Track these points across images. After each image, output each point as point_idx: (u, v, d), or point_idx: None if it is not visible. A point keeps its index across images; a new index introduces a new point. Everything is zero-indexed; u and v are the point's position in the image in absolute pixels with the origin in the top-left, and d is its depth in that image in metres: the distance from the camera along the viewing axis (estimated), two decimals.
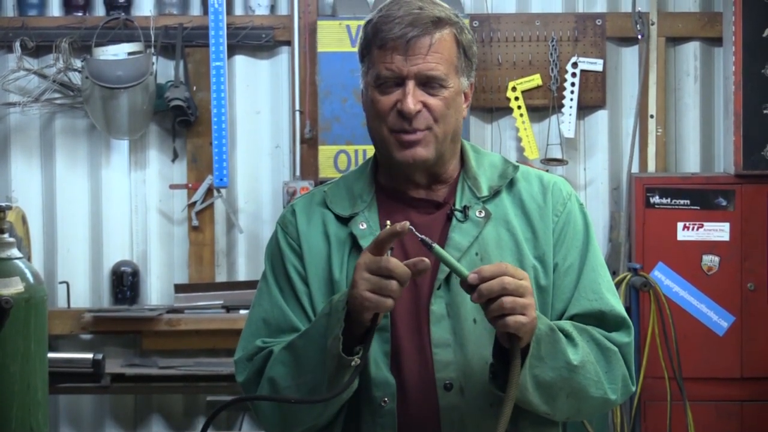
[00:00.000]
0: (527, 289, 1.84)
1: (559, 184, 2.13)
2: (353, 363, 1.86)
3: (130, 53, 5.03)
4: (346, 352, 1.86)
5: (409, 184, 2.08)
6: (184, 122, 5.06)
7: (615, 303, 2.07)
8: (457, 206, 2.05)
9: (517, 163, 2.14)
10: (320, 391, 1.92)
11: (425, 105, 1.99)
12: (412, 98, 1.98)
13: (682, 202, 4.86)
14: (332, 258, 2.06)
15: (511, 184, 2.10)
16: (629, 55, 5.22)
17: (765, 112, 4.85)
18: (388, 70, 1.99)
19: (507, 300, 1.81)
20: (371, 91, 2.03)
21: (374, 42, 2.01)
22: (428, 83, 1.99)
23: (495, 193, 2.08)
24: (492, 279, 1.82)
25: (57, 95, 5.08)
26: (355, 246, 2.04)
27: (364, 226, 2.05)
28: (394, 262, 1.83)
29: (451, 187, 2.09)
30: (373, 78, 2.02)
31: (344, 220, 2.08)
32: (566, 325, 1.99)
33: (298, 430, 2.03)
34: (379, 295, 1.82)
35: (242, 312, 4.91)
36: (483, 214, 2.04)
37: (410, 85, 1.98)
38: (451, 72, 2.01)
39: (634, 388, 2.07)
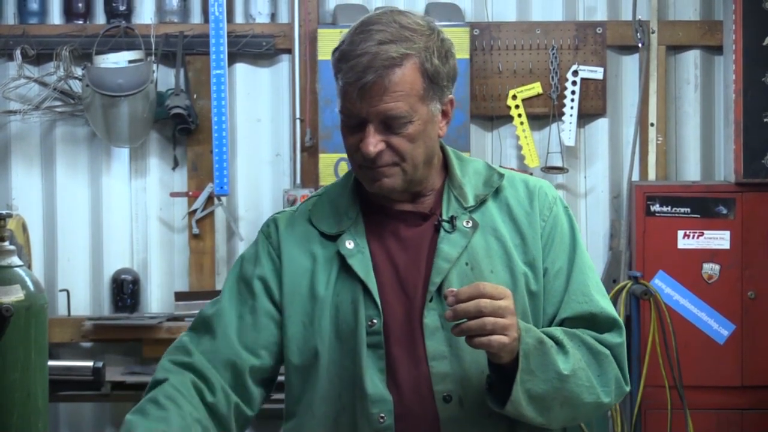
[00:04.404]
0: (507, 309, 1.83)
1: (544, 188, 2.11)
2: None
3: (130, 61, 5.03)
4: None
5: (392, 199, 2.07)
6: (185, 130, 5.06)
7: (605, 304, 2.06)
8: (444, 217, 2.04)
9: (501, 170, 2.12)
10: None
11: (388, 144, 1.95)
12: (372, 140, 1.94)
13: (682, 210, 4.85)
14: (317, 275, 2.04)
15: (497, 190, 2.09)
16: (630, 64, 5.21)
17: (765, 120, 4.85)
18: (348, 111, 1.96)
19: (488, 321, 1.81)
20: (341, 122, 2.00)
21: (336, 77, 1.98)
22: (389, 123, 1.94)
23: (481, 202, 2.07)
24: (469, 300, 1.81)
25: (57, 103, 5.08)
26: (343, 265, 2.02)
27: (351, 245, 2.03)
28: None
29: (437, 197, 2.07)
30: (339, 110, 2.00)
31: (330, 238, 2.06)
32: (556, 331, 1.98)
33: None
34: None
35: None
36: (470, 224, 2.03)
37: (370, 128, 1.94)
38: (415, 104, 1.94)
39: (628, 389, 2.06)
